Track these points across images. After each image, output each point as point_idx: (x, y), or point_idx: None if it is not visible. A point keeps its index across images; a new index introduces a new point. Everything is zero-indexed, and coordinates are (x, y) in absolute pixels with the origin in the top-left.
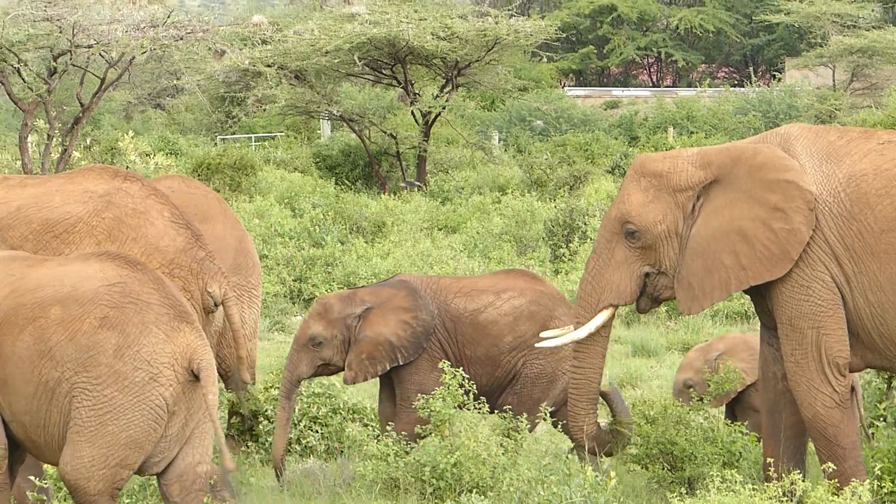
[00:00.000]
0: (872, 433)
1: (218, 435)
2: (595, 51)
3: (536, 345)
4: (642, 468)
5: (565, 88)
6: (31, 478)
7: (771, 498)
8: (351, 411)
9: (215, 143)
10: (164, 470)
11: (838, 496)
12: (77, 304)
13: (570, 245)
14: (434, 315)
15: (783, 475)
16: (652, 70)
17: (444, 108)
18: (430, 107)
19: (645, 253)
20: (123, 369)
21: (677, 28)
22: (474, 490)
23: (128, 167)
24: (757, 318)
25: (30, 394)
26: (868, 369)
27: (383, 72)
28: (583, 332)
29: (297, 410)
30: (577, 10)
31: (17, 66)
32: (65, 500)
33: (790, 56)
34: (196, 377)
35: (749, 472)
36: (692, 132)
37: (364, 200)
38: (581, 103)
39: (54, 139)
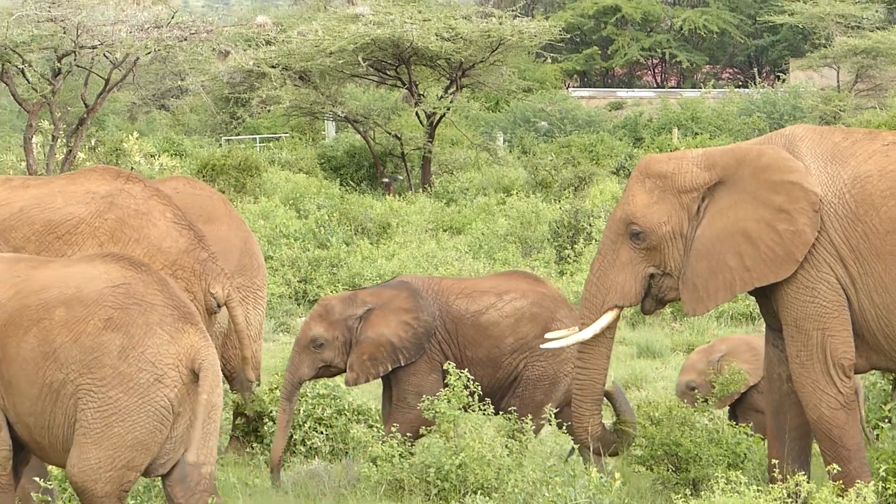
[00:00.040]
0: (877, 435)
1: (195, 430)
2: (599, 52)
3: (542, 346)
4: (647, 469)
5: (570, 89)
6: (36, 479)
7: (776, 499)
8: (356, 413)
9: (220, 144)
10: (169, 471)
11: (843, 498)
12: (81, 305)
13: (575, 246)
14: (435, 316)
15: (788, 476)
16: (656, 71)
17: (448, 109)
18: (434, 108)
19: (650, 254)
20: (128, 371)
21: (681, 29)
22: (479, 491)
23: (132, 168)
24: (762, 319)
25: (34, 395)
26: (873, 371)
27: (387, 73)
28: (588, 333)
29: (301, 411)
30: (582, 10)
31: (21, 67)
32: (69, 501)
33: (794, 57)
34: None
35: (754, 473)
36: (697, 133)
37: (369, 201)
38: (585, 104)
39: (59, 140)
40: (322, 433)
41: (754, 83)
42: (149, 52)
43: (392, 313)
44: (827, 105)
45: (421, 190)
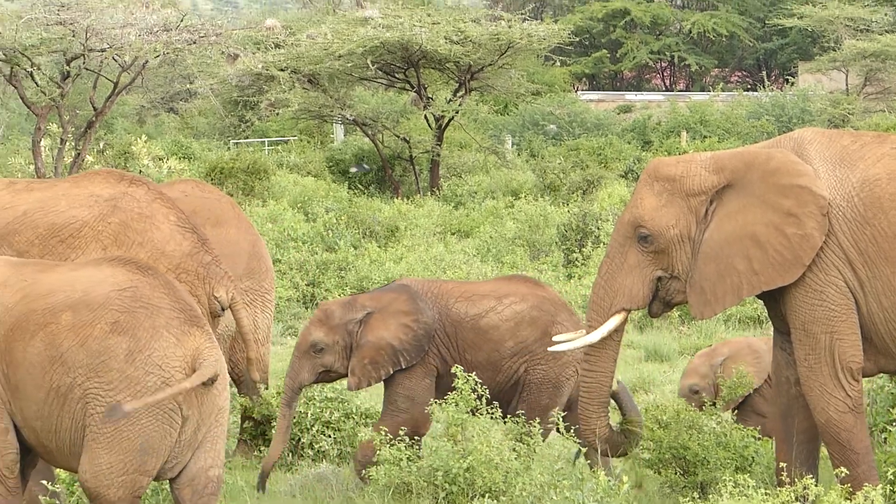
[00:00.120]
0: (885, 437)
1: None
2: (608, 55)
3: (549, 349)
4: (655, 473)
5: (578, 92)
6: (44, 482)
7: (784, 503)
8: (363, 416)
9: (228, 148)
10: (177, 474)
11: (851, 501)
12: (88, 309)
13: (584, 250)
14: (435, 318)
15: (796, 480)
16: (665, 74)
17: (457, 113)
18: (443, 111)
19: (657, 257)
20: (135, 374)
21: (690, 32)
22: (487, 495)
23: (140, 171)
24: (770, 322)
25: (41, 399)
26: (881, 374)
27: (396, 76)
28: (595, 336)
29: (309, 415)
30: (591, 14)
31: (30, 70)
32: None
33: (803, 60)
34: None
35: (762, 476)
36: (705, 136)
37: (377, 205)
38: (594, 107)
39: (67, 143)
40: (330, 436)
41: (763, 86)
42: (157, 56)
43: (392, 316)
44: (836, 108)
45: (429, 193)
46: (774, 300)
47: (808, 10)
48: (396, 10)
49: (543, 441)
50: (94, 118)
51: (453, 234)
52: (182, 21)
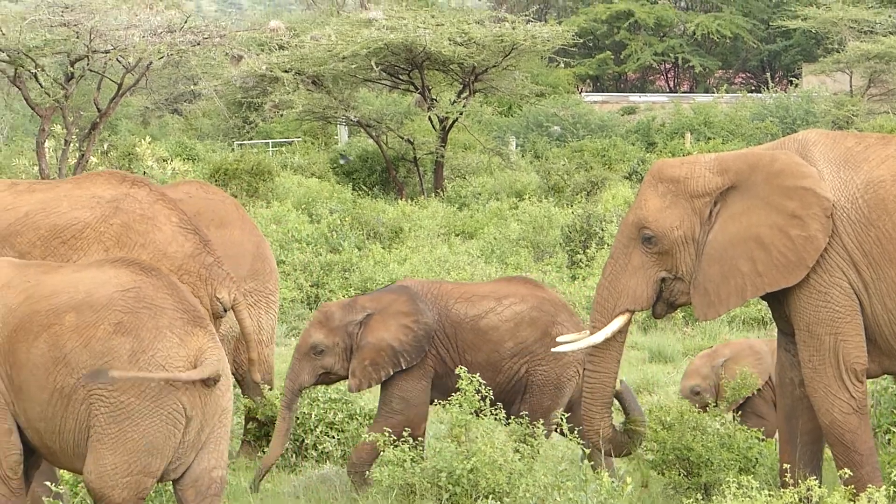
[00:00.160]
0: (889, 439)
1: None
2: (612, 56)
3: (553, 350)
4: (659, 474)
5: (582, 94)
6: (48, 483)
7: None
8: (367, 417)
9: (232, 149)
10: (181, 476)
11: (855, 502)
12: (91, 310)
13: (588, 251)
14: (435, 319)
15: (799, 481)
16: (669, 76)
17: (461, 114)
18: (447, 112)
19: (661, 258)
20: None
21: (694, 34)
22: (490, 496)
23: (144, 173)
24: (774, 323)
25: (45, 401)
26: (885, 375)
27: (400, 77)
28: (599, 337)
29: (313, 416)
30: (595, 15)
31: (34, 71)
32: None
33: (807, 62)
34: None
35: (765, 478)
36: (709, 138)
37: (381, 206)
38: (598, 109)
39: (71, 144)
40: (334, 437)
41: (767, 88)
42: (162, 57)
43: (392, 317)
44: (840, 110)
45: (433, 194)
46: (779, 301)
47: (812, 11)
48: (400, 11)
49: (546, 442)
50: (98, 119)
51: (457, 235)
52: (186, 22)
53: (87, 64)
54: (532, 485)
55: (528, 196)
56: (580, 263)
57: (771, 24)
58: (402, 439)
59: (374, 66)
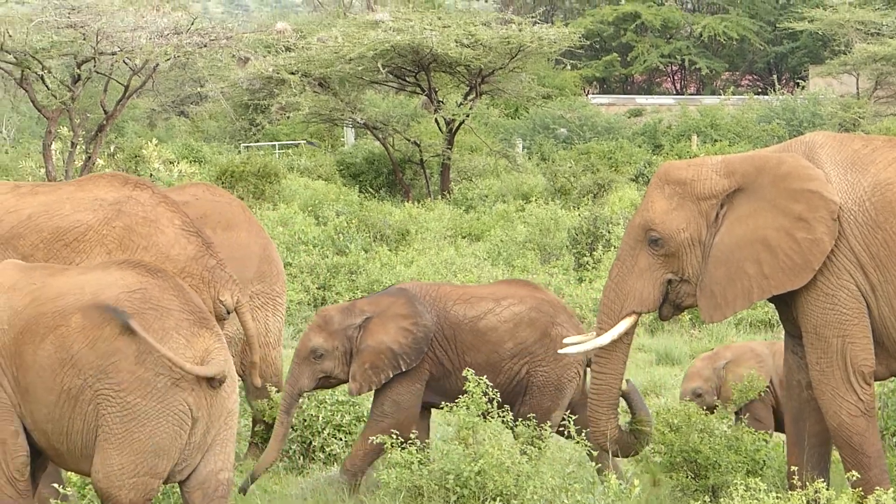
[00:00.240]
0: None
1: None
2: (619, 58)
3: (559, 351)
4: (666, 476)
5: (589, 96)
6: (55, 485)
7: None
8: None
9: (239, 151)
10: (187, 477)
11: None
12: (97, 311)
13: (594, 253)
14: (434, 321)
15: (807, 483)
16: (676, 78)
17: (467, 116)
18: (453, 114)
19: (668, 260)
20: (145, 375)
21: (701, 36)
22: (498, 498)
23: (151, 175)
24: (780, 326)
25: (52, 402)
26: (893, 378)
27: (407, 79)
28: (605, 338)
29: (321, 418)
30: (601, 17)
31: (40, 73)
32: None
33: (814, 64)
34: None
35: (773, 480)
36: (716, 140)
37: (388, 208)
38: (605, 111)
39: (78, 147)
40: (341, 440)
41: (774, 90)
42: (168, 59)
43: (391, 320)
44: (846, 112)
45: (440, 196)
46: (786, 304)
47: (818, 13)
48: (407, 13)
49: (554, 442)
50: (104, 121)
51: (464, 237)
52: (192, 24)
53: (94, 66)
54: (540, 487)
55: (535, 198)
56: (587, 266)
57: (777, 26)
58: (409, 441)
59: (381, 68)
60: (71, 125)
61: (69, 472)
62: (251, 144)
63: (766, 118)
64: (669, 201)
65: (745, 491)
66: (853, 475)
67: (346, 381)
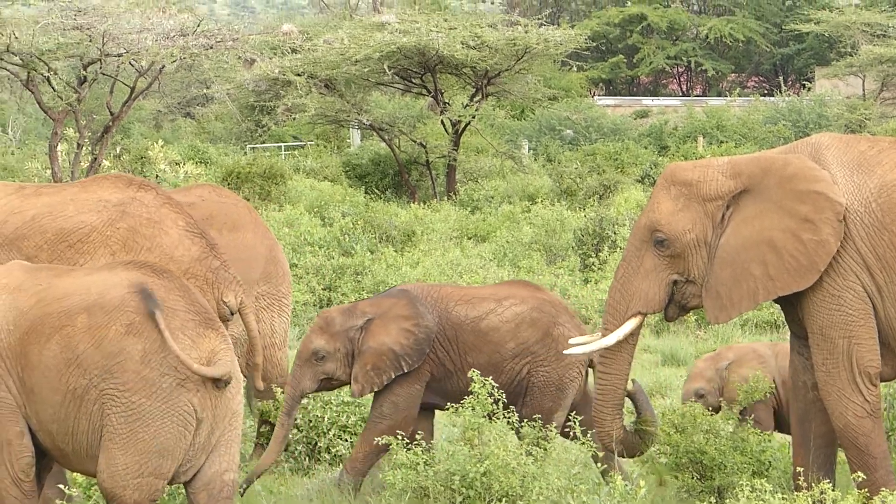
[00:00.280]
0: None
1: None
2: (625, 60)
3: (565, 352)
4: (672, 477)
5: (595, 98)
6: (61, 486)
7: None
8: None
9: (245, 152)
10: (192, 478)
11: None
12: (103, 311)
13: (600, 254)
14: (435, 322)
15: (813, 484)
16: (682, 79)
17: (473, 118)
18: (459, 116)
19: (674, 261)
20: (151, 375)
21: (707, 37)
22: (503, 499)
23: (157, 176)
24: (786, 327)
25: (57, 402)
26: None
27: (413, 81)
28: (611, 339)
29: (326, 419)
30: (607, 19)
31: (46, 74)
32: None
33: (820, 65)
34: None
35: (779, 481)
36: (722, 141)
37: (394, 209)
38: (611, 112)
39: (84, 148)
40: (346, 441)
41: (780, 91)
42: (174, 61)
43: (392, 321)
44: (852, 114)
45: (446, 198)
46: (792, 305)
47: (824, 15)
48: (413, 15)
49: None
50: (110, 123)
51: (470, 238)
52: (199, 26)
53: (100, 67)
54: (545, 488)
55: (541, 199)
56: (593, 267)
57: (784, 27)
58: (415, 442)
59: (387, 70)
60: (77, 126)
61: (75, 473)
62: (257, 146)
63: (772, 119)
64: (675, 202)
65: (751, 492)
66: (859, 476)
67: (348, 383)
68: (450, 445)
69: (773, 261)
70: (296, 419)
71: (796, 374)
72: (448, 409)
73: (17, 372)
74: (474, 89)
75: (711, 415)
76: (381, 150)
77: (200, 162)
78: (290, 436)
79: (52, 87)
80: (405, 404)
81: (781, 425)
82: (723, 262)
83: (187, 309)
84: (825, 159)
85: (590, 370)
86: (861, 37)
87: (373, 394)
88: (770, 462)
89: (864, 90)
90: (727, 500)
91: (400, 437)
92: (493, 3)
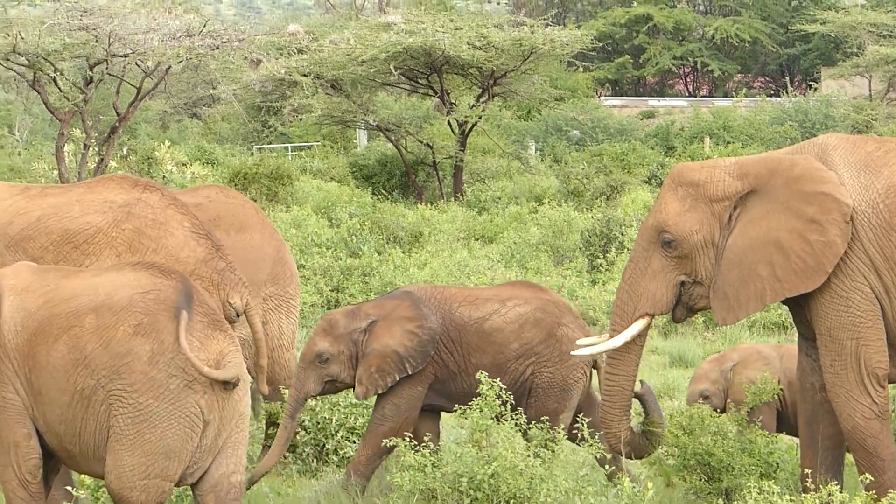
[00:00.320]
0: None
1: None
2: (631, 60)
3: (573, 353)
4: (680, 479)
5: (601, 98)
6: (69, 488)
7: None
8: None
9: (251, 153)
10: (199, 480)
11: None
12: (111, 312)
13: (607, 255)
14: (439, 324)
15: (820, 486)
16: (688, 80)
17: (480, 118)
18: (466, 116)
19: (681, 262)
20: (158, 376)
21: (713, 37)
22: (511, 501)
23: (164, 177)
24: (794, 328)
25: (65, 403)
26: None
27: (419, 81)
28: (618, 340)
29: (334, 421)
30: (613, 19)
31: (53, 75)
32: None
33: (826, 66)
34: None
35: (787, 483)
36: (728, 142)
37: (401, 210)
38: (617, 113)
39: (91, 149)
40: (354, 442)
41: (786, 92)
42: (180, 61)
43: (396, 323)
44: (859, 114)
45: (453, 199)
46: (800, 306)
47: (831, 15)
48: (419, 15)
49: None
50: (117, 123)
51: (477, 239)
52: (205, 26)
53: (106, 68)
54: (553, 490)
55: (548, 200)
56: (600, 268)
57: (790, 28)
58: (423, 444)
59: (393, 70)
60: (83, 127)
61: (83, 476)
62: (264, 146)
63: (779, 120)
64: (682, 203)
65: (759, 494)
66: (867, 478)
67: (352, 386)
68: (458, 447)
69: (781, 262)
70: (304, 421)
71: (804, 376)
72: (454, 410)
73: (24, 373)
74: (481, 90)
75: (718, 416)
76: (387, 150)
77: (207, 163)
78: (299, 437)
79: (59, 88)
80: (407, 406)
81: (785, 427)
82: (730, 263)
83: (195, 310)
84: (832, 160)
85: (594, 371)
86: (867, 37)
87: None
88: (778, 464)
89: (870, 90)
90: (735, 502)
91: (408, 439)
92: (499, 3)
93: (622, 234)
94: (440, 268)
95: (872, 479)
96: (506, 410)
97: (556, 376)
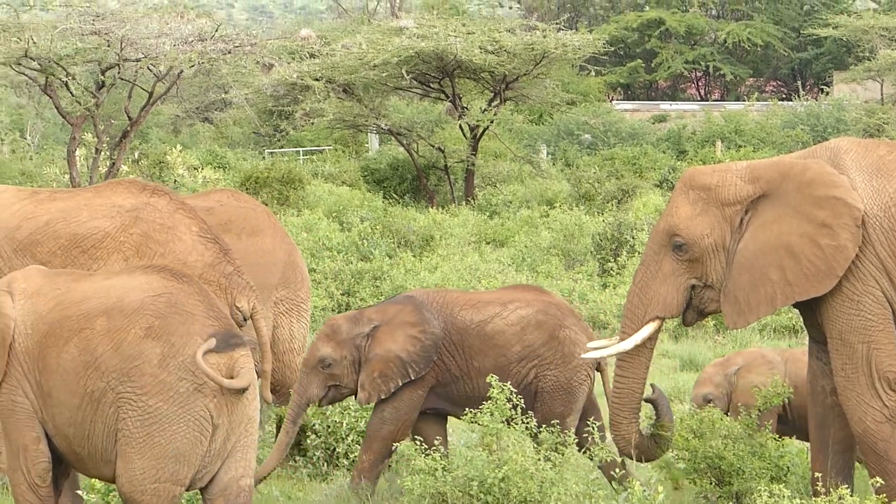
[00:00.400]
0: None
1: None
2: (643, 64)
3: (583, 356)
4: (690, 482)
5: (613, 102)
6: (79, 492)
7: None
8: None
9: (263, 157)
10: (208, 484)
11: None
12: (122, 314)
13: (619, 259)
14: (441, 328)
15: (831, 490)
16: (700, 84)
17: (491, 122)
18: (478, 120)
19: (692, 266)
20: (168, 379)
21: (725, 42)
22: None
23: (175, 181)
24: (805, 332)
25: (75, 405)
26: None
27: (431, 85)
28: (629, 343)
29: (344, 424)
30: (625, 23)
31: (65, 79)
32: None
33: (838, 70)
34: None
35: (797, 486)
36: (740, 146)
37: (412, 214)
38: (629, 117)
39: (102, 153)
40: None
41: (798, 96)
42: (192, 65)
43: (398, 328)
44: (871, 118)
45: (464, 202)
46: (811, 309)
47: (842, 19)
48: (431, 19)
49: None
50: (128, 128)
51: (488, 243)
52: (217, 31)
53: (118, 72)
54: (563, 493)
55: (559, 204)
56: (611, 271)
57: (802, 32)
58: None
59: (405, 75)
60: (95, 131)
61: (93, 480)
62: (275, 150)
63: (791, 124)
64: (694, 207)
65: (769, 497)
66: (877, 481)
67: (355, 391)
68: (468, 451)
69: (791, 266)
70: (314, 424)
71: (815, 379)
72: (456, 414)
73: (34, 376)
74: (492, 94)
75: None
76: (399, 154)
77: (218, 167)
78: (309, 441)
79: (71, 92)
80: (407, 409)
81: (787, 431)
82: (741, 267)
83: (206, 314)
84: (844, 164)
85: (598, 373)
86: (879, 41)
87: None
88: (788, 467)
89: (882, 94)
90: None
91: (419, 443)
92: (511, 7)
93: (633, 238)
94: (451, 272)
95: (883, 482)
96: (516, 414)
97: (561, 379)
